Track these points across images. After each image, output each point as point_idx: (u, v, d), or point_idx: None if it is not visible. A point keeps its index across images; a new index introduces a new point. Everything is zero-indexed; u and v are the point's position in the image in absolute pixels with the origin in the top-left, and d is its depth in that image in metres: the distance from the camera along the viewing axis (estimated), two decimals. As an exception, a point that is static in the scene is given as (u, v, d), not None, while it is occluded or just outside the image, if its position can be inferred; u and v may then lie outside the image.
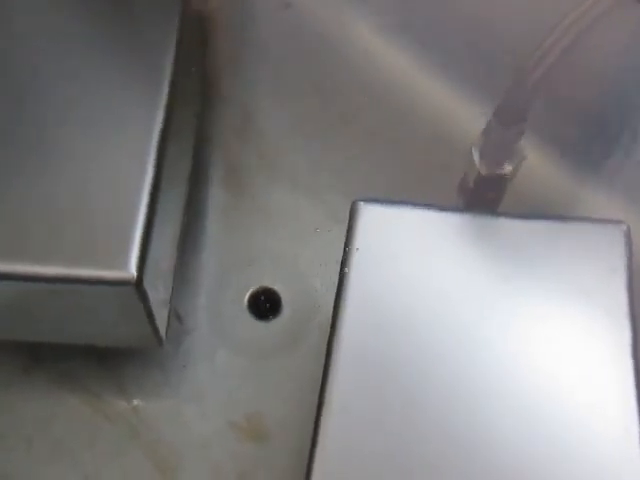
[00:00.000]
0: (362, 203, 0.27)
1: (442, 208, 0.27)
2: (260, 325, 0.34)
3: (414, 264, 0.26)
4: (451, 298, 0.25)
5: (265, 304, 0.34)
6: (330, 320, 0.25)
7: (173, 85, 0.30)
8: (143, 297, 0.26)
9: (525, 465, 0.23)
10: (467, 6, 0.36)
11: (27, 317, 0.29)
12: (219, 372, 0.33)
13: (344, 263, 0.26)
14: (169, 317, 0.30)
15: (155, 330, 0.29)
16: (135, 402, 0.32)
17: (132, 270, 0.25)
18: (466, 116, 0.35)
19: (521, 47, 0.24)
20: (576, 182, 0.35)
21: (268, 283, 0.35)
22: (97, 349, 0.32)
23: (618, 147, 0.34)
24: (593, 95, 0.34)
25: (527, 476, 0.22)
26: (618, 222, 0.26)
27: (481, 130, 0.26)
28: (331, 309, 0.25)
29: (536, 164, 0.34)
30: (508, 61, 0.25)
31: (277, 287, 0.35)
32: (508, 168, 0.26)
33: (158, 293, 0.28)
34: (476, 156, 0.25)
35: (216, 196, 0.36)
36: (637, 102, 0.34)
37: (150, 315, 0.28)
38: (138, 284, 0.26)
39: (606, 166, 0.35)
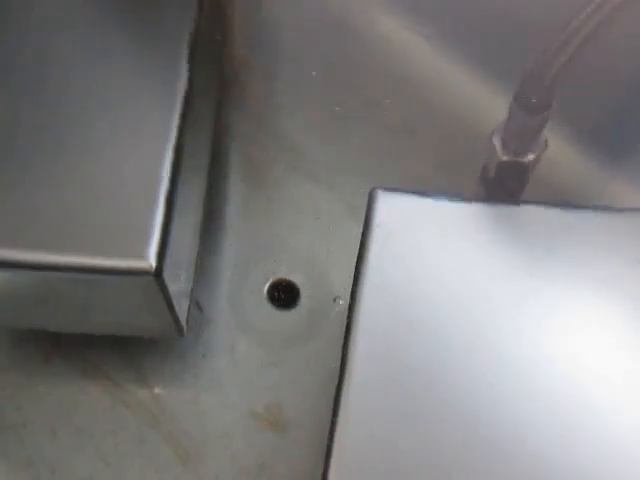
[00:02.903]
0: (380, 191, 0.26)
1: (462, 198, 0.26)
2: (279, 315, 0.34)
3: (433, 254, 0.26)
4: (471, 288, 0.25)
5: (284, 294, 0.34)
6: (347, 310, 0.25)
7: (191, 74, 0.29)
8: (162, 287, 0.26)
9: (545, 459, 0.22)
10: (493, 4, 0.35)
11: (48, 307, 0.29)
12: (239, 362, 0.33)
13: (361, 251, 0.25)
14: (190, 307, 0.30)
15: (176, 320, 0.29)
16: (156, 391, 0.32)
17: (151, 260, 0.25)
18: (488, 105, 0.34)
19: (545, 32, 0.24)
20: (602, 170, 0.34)
21: (287, 274, 0.35)
22: (118, 338, 0.32)
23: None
24: (621, 81, 0.33)
25: (544, 470, 0.22)
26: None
27: (503, 118, 0.25)
28: (349, 299, 0.25)
29: (560, 152, 0.34)
30: (532, 46, 0.24)
31: (296, 278, 0.35)
32: (530, 156, 0.25)
33: (179, 283, 0.28)
34: (498, 144, 0.25)
35: (235, 187, 0.37)
36: None
37: (170, 305, 0.28)
38: (157, 274, 0.26)
39: (633, 154, 0.34)
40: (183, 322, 0.29)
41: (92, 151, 0.28)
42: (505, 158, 0.25)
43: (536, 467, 0.22)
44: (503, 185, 0.26)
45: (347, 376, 0.23)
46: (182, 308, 0.29)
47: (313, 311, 0.34)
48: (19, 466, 0.31)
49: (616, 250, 0.25)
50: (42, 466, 0.31)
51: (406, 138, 0.36)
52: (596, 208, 0.26)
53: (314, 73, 0.38)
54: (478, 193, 0.28)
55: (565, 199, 0.33)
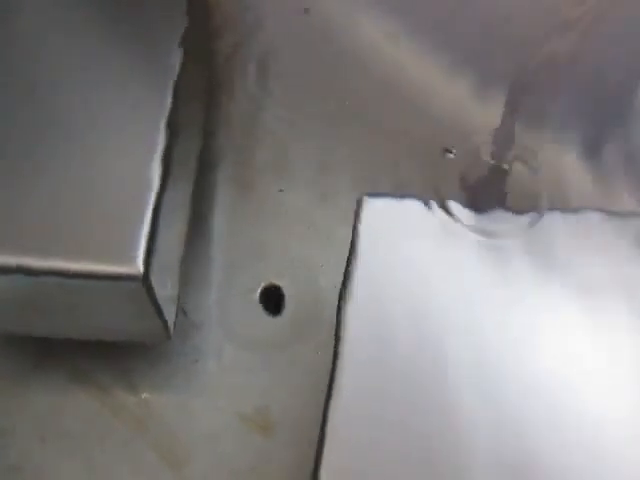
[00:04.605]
0: (369, 197, 0.27)
1: (448, 203, 0.27)
2: (268, 320, 0.34)
3: (421, 258, 0.26)
4: (457, 291, 0.25)
5: (272, 300, 0.35)
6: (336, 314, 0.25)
7: (180, 80, 0.30)
8: (150, 292, 0.26)
9: (532, 459, 0.23)
10: (479, 7, 0.36)
11: (34, 312, 0.29)
12: (227, 366, 0.33)
13: (350, 257, 0.26)
14: (177, 312, 0.31)
15: (163, 325, 0.29)
16: (144, 396, 0.32)
17: (139, 266, 0.26)
18: (473, 110, 0.35)
19: (529, 40, 0.24)
20: (590, 176, 0.35)
21: (276, 279, 0.35)
22: (106, 344, 0.32)
23: (634, 142, 0.34)
24: (612, 90, 0.33)
25: (532, 471, 0.23)
26: (633, 214, 0.26)
27: (487, 124, 0.26)
28: (337, 305, 0.25)
29: (549, 159, 0.34)
30: (517, 54, 0.25)
31: (284, 283, 0.35)
32: (512, 162, 0.26)
33: (166, 288, 0.28)
34: (481, 151, 0.25)
35: (224, 193, 0.37)
36: None
37: (158, 310, 0.28)
38: (145, 279, 0.26)
39: (621, 160, 0.34)
40: (170, 327, 0.30)
41: (79, 157, 0.28)
42: (491, 162, 0.26)
43: (524, 467, 0.22)
44: (487, 191, 0.27)
45: (338, 378, 0.24)
46: (169, 313, 0.29)
47: (301, 316, 0.34)
48: (7, 470, 0.31)
49: (599, 253, 0.25)
50: (30, 471, 0.31)
51: (393, 144, 0.37)
52: (585, 212, 0.26)
53: (305, 82, 0.38)
54: (463, 198, 0.28)
55: (550, 204, 0.33)
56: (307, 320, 0.34)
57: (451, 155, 0.27)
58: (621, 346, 0.24)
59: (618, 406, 0.23)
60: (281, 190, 0.36)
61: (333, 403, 0.24)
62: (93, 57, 0.30)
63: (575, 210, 0.26)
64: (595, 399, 0.23)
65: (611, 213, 0.26)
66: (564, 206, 0.28)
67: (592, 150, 0.34)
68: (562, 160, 0.34)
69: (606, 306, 0.25)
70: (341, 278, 0.26)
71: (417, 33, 0.38)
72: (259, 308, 0.34)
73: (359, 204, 0.27)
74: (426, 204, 0.27)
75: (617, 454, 0.23)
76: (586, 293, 0.25)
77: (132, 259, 0.26)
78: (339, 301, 0.25)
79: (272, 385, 0.32)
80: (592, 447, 0.23)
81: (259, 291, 0.35)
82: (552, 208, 0.26)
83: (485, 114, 0.26)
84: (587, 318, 0.24)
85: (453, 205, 0.27)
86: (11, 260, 0.26)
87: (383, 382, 0.24)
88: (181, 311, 0.34)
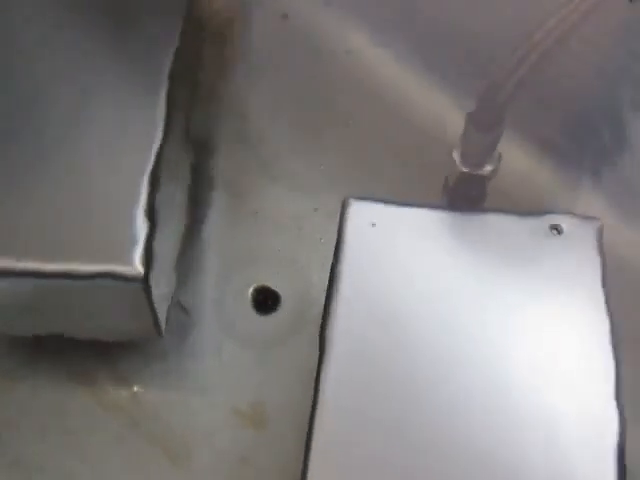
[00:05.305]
0: (352, 200, 0.28)
1: (428, 206, 0.28)
2: (261, 319, 0.35)
3: (402, 258, 0.27)
4: (436, 290, 0.27)
5: (265, 299, 0.36)
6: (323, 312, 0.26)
7: (172, 89, 0.31)
8: (148, 292, 0.28)
9: (514, 455, 0.24)
10: (460, 18, 0.37)
11: (33, 313, 0.30)
12: (223, 363, 0.34)
13: (335, 257, 0.27)
14: (169, 310, 0.32)
15: (156, 322, 0.30)
16: (141, 392, 0.34)
17: (139, 267, 0.27)
18: (453, 118, 0.36)
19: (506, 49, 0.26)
20: (557, 179, 0.36)
21: (268, 280, 0.36)
22: (103, 342, 0.33)
23: (598, 146, 0.36)
24: (574, 95, 0.35)
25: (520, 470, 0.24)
26: (592, 218, 0.27)
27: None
28: (324, 303, 0.26)
29: (520, 162, 0.36)
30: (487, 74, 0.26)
31: (276, 283, 0.36)
32: (488, 169, 0.27)
33: (159, 288, 0.30)
34: (457, 158, 0.27)
35: (218, 198, 0.38)
36: (616, 104, 0.35)
37: (152, 308, 0.29)
38: (145, 280, 0.27)
39: (586, 164, 0.36)
40: (162, 324, 0.31)
41: (80, 164, 0.29)
42: (464, 170, 0.27)
43: (510, 465, 0.24)
44: (464, 195, 0.28)
45: (324, 375, 0.25)
46: (162, 311, 0.31)
47: (293, 314, 0.35)
48: (5, 465, 0.32)
49: (567, 254, 0.26)
50: (29, 466, 0.32)
51: (380, 151, 0.38)
52: (547, 215, 0.28)
53: (292, 89, 0.40)
54: (442, 201, 0.30)
55: (523, 206, 0.34)
56: (299, 318, 0.35)
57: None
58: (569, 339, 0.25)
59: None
60: (272, 195, 0.38)
61: (320, 398, 0.25)
62: (89, 70, 0.31)
63: (538, 213, 0.28)
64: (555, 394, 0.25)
65: (568, 215, 0.27)
66: (532, 208, 0.29)
67: (562, 156, 0.36)
68: (531, 164, 0.36)
69: (565, 300, 0.26)
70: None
71: (399, 47, 0.40)
72: (252, 307, 0.36)
73: (344, 206, 0.28)
74: (407, 207, 0.28)
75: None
76: (543, 288, 0.26)
77: (132, 261, 0.27)
78: (326, 300, 0.26)
79: (265, 381, 0.34)
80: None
81: (252, 291, 0.36)
82: (516, 210, 0.28)
83: (462, 124, 0.28)
84: (546, 310, 0.26)
85: (434, 208, 0.28)
86: (14, 264, 0.27)
87: (368, 375, 0.25)
88: (181, 310, 0.35)
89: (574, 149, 0.36)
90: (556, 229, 0.27)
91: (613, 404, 0.24)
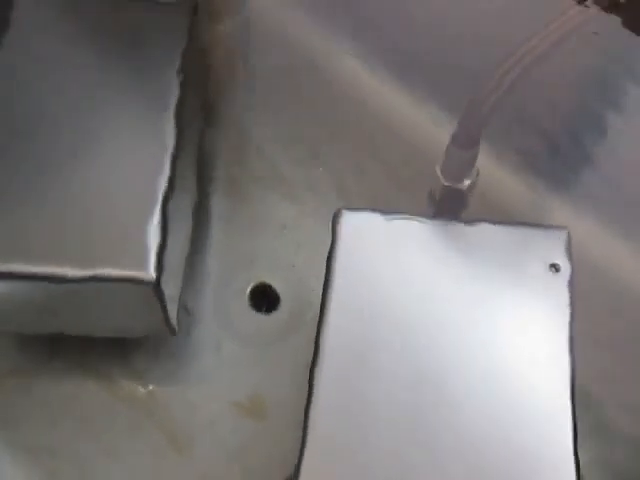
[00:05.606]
0: (344, 211, 0.30)
1: (415, 216, 0.30)
2: (260, 318, 0.37)
3: (389, 264, 0.29)
4: (423, 293, 0.28)
5: (264, 299, 0.37)
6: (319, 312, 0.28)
7: (180, 108, 0.33)
8: (160, 294, 0.30)
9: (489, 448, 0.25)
10: (444, 38, 0.40)
11: (53, 314, 0.32)
12: (224, 359, 0.36)
13: (329, 263, 0.28)
14: (178, 310, 0.33)
15: (168, 322, 0.32)
16: (150, 386, 0.35)
17: (151, 271, 0.29)
18: (441, 132, 0.38)
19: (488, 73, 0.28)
20: (533, 190, 0.38)
21: (267, 280, 0.38)
22: (115, 340, 0.35)
23: (571, 159, 0.38)
24: (549, 113, 0.38)
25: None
26: (560, 228, 0.29)
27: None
28: (319, 305, 0.28)
29: (498, 174, 0.38)
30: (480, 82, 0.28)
31: (276, 283, 0.37)
32: (467, 182, 0.30)
33: (169, 289, 0.31)
34: (439, 173, 0.29)
35: (219, 205, 0.40)
36: (585, 120, 0.38)
37: (164, 309, 0.31)
38: (156, 284, 0.29)
39: (560, 176, 0.38)
40: (174, 323, 0.33)
41: (95, 176, 0.31)
42: (446, 184, 0.30)
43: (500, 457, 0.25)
44: (446, 206, 0.31)
45: (318, 371, 0.26)
46: (172, 311, 0.32)
47: (291, 313, 0.37)
48: (26, 451, 0.34)
49: (536, 261, 0.28)
50: (47, 452, 0.34)
51: (369, 162, 0.40)
52: (518, 224, 0.29)
53: (288, 106, 0.42)
54: (428, 211, 0.32)
55: (502, 216, 0.37)
56: (296, 317, 0.37)
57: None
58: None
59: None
60: (269, 202, 0.40)
61: (315, 392, 0.26)
62: (103, 86, 0.33)
63: (510, 222, 0.30)
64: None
65: (538, 225, 0.29)
66: (509, 218, 0.31)
67: (538, 168, 0.38)
68: (509, 176, 0.38)
69: (533, 305, 0.28)
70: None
71: (391, 65, 0.42)
72: (250, 307, 0.37)
73: (336, 216, 0.29)
74: (396, 216, 0.30)
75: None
76: (517, 291, 0.28)
77: (145, 266, 0.29)
78: (321, 300, 0.28)
79: (263, 376, 0.35)
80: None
81: (250, 292, 0.38)
82: (491, 220, 0.29)
83: (447, 138, 0.30)
84: (520, 312, 0.28)
85: (421, 217, 0.30)
86: (37, 269, 0.29)
87: (357, 373, 0.26)
88: (185, 310, 0.36)
89: (550, 161, 0.39)
90: (528, 238, 0.29)
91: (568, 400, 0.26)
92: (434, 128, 0.40)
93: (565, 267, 0.28)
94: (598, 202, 0.38)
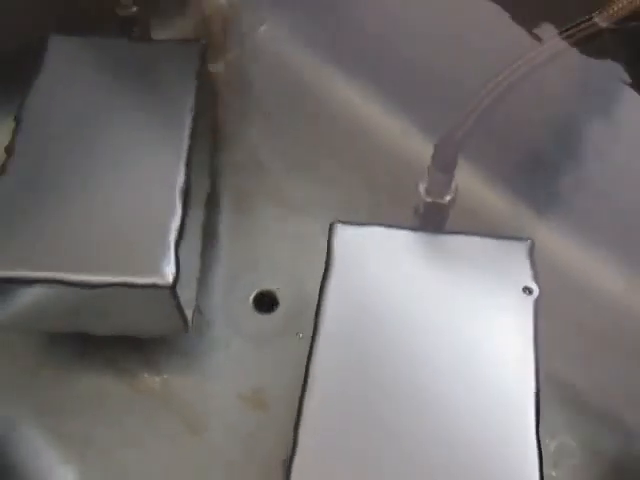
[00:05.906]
0: (339, 224, 0.32)
1: (401, 228, 0.33)
2: (263, 319, 0.40)
3: (379, 272, 0.31)
4: (409, 296, 0.31)
5: (267, 301, 0.41)
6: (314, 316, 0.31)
7: (193, 131, 0.36)
8: (175, 297, 0.33)
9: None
10: (433, 60, 0.43)
11: (81, 316, 0.36)
12: (231, 355, 0.39)
13: (325, 273, 0.31)
14: (194, 312, 0.37)
15: (184, 321, 0.35)
16: (167, 380, 0.39)
17: (169, 277, 0.32)
18: (428, 150, 0.42)
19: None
20: (509, 204, 0.41)
21: (269, 285, 0.41)
22: (136, 339, 0.38)
23: (544, 175, 0.41)
24: (524, 133, 0.41)
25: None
26: (524, 239, 0.32)
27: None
28: (315, 309, 0.31)
29: (478, 189, 0.41)
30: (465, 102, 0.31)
31: (276, 288, 0.41)
32: (447, 198, 0.33)
33: (185, 294, 0.35)
34: (422, 190, 0.33)
35: (226, 217, 0.43)
36: (554, 140, 0.41)
37: (180, 310, 0.34)
38: (173, 288, 0.33)
39: (534, 191, 0.41)
40: (189, 323, 0.36)
41: (120, 197, 0.35)
42: (428, 200, 0.33)
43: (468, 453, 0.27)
44: (430, 219, 0.34)
45: (312, 367, 0.29)
46: (188, 312, 0.36)
47: (290, 315, 0.40)
48: (59, 437, 0.37)
49: (504, 269, 0.31)
50: (74, 438, 0.37)
51: (362, 178, 0.43)
52: (487, 236, 0.32)
53: (289, 128, 0.45)
54: (413, 224, 0.35)
55: (484, 229, 0.38)
56: (295, 318, 0.40)
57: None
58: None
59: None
60: (272, 215, 0.43)
61: (309, 386, 0.28)
62: (124, 121, 0.37)
63: (479, 233, 0.32)
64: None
65: (504, 237, 0.32)
66: (490, 230, 0.34)
67: (515, 184, 0.42)
68: (487, 191, 0.41)
69: (500, 308, 0.31)
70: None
71: (381, 90, 0.45)
72: (254, 309, 0.40)
73: (331, 229, 0.32)
74: (385, 229, 0.32)
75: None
76: (493, 294, 0.31)
77: (163, 272, 0.33)
78: (317, 306, 0.30)
79: (265, 371, 0.38)
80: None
81: (255, 295, 0.41)
82: (467, 232, 0.32)
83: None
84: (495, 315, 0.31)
85: (408, 229, 0.32)
86: (68, 276, 0.33)
87: (348, 368, 0.29)
88: (199, 312, 0.40)
89: (524, 178, 0.42)
90: (501, 248, 0.32)
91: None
92: (422, 147, 0.40)
93: (531, 274, 0.31)
94: (570, 211, 0.41)
